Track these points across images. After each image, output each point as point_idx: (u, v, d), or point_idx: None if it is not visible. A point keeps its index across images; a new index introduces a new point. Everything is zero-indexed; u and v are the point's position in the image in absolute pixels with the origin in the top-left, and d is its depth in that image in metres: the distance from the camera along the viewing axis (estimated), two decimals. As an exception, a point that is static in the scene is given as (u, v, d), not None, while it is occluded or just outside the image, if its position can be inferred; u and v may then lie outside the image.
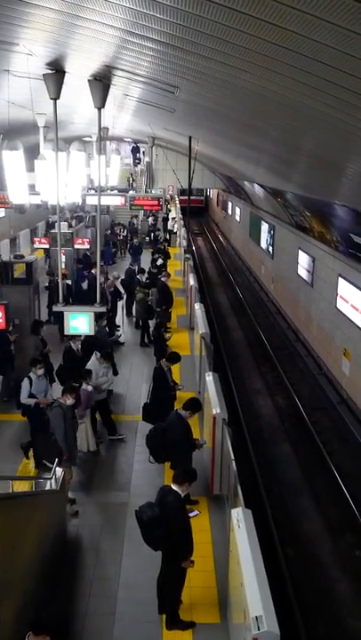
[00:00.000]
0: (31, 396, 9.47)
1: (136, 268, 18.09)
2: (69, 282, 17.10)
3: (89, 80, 7.68)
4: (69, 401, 8.37)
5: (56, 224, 9.67)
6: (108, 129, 18.06)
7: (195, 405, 8.18)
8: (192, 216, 24.88)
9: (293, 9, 3.61)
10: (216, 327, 20.19)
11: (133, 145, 35.52)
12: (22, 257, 14.14)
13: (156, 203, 19.39)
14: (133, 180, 36.17)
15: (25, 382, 9.51)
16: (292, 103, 6.25)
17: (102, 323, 12.51)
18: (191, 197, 22.46)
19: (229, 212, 40.55)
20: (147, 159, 28.76)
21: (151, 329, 15.49)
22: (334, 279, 14.81)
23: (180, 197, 36.93)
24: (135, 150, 36.14)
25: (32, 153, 11.87)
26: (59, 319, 13.55)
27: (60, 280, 8.51)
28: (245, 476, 10.85)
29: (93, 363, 10.37)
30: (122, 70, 7.49)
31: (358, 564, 9.10)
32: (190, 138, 18.14)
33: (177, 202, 40.55)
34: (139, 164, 36.70)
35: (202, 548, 7.16)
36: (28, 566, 6.12)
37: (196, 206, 45.57)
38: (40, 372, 9.69)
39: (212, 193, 54.03)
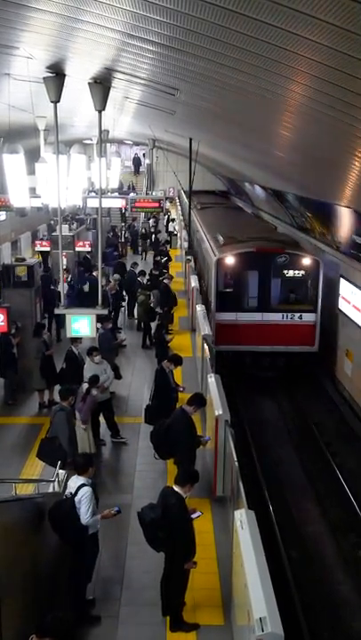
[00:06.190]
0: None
1: (137, 270, 18.09)
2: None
3: (89, 83, 7.70)
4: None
5: (58, 226, 9.68)
6: (108, 131, 18.10)
7: (199, 400, 8.17)
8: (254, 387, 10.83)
9: (292, 10, 3.63)
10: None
11: (135, 156, 35.99)
12: (24, 260, 14.15)
13: (156, 205, 19.42)
14: (134, 187, 36.37)
15: (87, 495, 6.15)
16: (291, 103, 6.27)
17: (107, 326, 12.47)
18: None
19: None
20: (147, 161, 28.81)
21: (153, 331, 15.48)
22: (336, 280, 14.80)
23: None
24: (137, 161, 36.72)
25: (33, 156, 11.90)
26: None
27: (61, 283, 8.52)
28: (248, 476, 10.85)
29: (90, 366, 10.32)
30: (122, 73, 7.51)
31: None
32: (191, 140, 18.16)
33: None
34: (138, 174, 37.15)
35: (205, 550, 7.14)
36: (31, 568, 6.12)
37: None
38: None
39: None
